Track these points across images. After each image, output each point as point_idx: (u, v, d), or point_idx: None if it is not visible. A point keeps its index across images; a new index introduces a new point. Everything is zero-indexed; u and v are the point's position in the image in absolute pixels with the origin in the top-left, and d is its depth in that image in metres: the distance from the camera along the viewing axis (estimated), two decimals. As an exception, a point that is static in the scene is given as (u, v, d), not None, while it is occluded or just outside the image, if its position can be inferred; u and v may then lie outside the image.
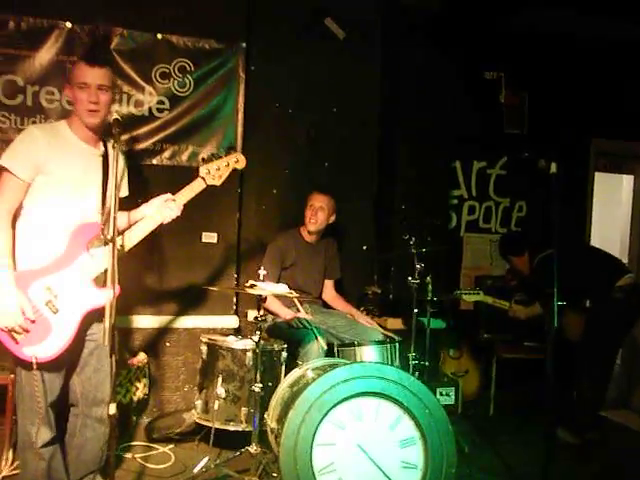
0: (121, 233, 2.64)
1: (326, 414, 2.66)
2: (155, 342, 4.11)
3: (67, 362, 2.63)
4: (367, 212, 4.73)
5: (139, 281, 4.04)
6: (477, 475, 3.33)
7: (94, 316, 2.61)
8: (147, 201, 2.87)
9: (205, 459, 3.11)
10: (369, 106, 4.67)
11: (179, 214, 2.81)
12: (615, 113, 5.40)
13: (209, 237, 4.22)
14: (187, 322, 4.15)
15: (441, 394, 3.98)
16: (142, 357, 3.95)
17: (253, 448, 3.07)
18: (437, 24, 4.52)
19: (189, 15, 4.08)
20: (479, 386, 4.70)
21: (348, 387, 2.70)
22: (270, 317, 3.92)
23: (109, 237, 2.27)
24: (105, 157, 2.68)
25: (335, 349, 3.58)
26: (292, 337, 3.74)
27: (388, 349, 3.50)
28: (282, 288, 3.28)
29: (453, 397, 4.04)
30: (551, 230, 2.97)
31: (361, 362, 3.34)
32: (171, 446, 3.58)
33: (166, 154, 4.12)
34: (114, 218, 2.26)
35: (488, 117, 5.28)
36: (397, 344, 3.55)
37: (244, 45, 4.22)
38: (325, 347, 3.64)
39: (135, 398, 3.84)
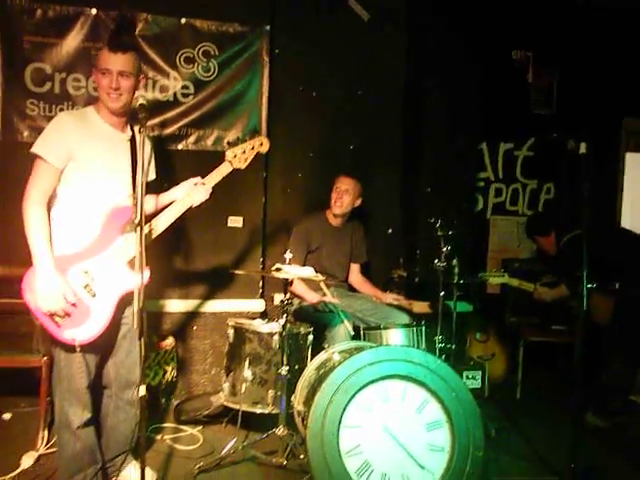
0: (150, 217, 2.67)
1: (353, 397, 2.67)
2: (183, 326, 4.16)
3: (104, 345, 2.67)
4: (393, 195, 4.70)
5: (167, 265, 4.09)
6: (503, 459, 3.32)
7: (128, 300, 2.63)
8: (173, 187, 2.89)
9: (233, 441, 3.14)
10: (394, 88, 4.62)
11: (208, 197, 2.83)
12: (647, 92, 5.27)
13: (235, 221, 4.25)
14: (214, 306, 4.19)
15: (467, 377, 3.97)
16: (170, 341, 4.00)
17: (280, 430, 3.12)
18: (463, 4, 4.43)
19: (212, -1, 4.07)
20: (506, 369, 4.66)
21: (374, 370, 2.69)
22: (296, 301, 3.94)
23: (136, 221, 2.29)
24: (133, 141, 2.70)
25: (361, 332, 3.58)
26: (318, 320, 3.76)
27: (414, 332, 3.48)
28: (308, 271, 3.29)
29: (479, 380, 4.03)
30: (580, 211, 2.92)
31: (387, 345, 3.35)
32: (199, 428, 3.62)
33: (191, 139, 4.14)
34: (141, 202, 2.28)
35: (515, 97, 5.19)
36: (423, 327, 3.52)
37: (268, 28, 4.20)
38: (352, 331, 3.65)
39: (164, 381, 3.90)
